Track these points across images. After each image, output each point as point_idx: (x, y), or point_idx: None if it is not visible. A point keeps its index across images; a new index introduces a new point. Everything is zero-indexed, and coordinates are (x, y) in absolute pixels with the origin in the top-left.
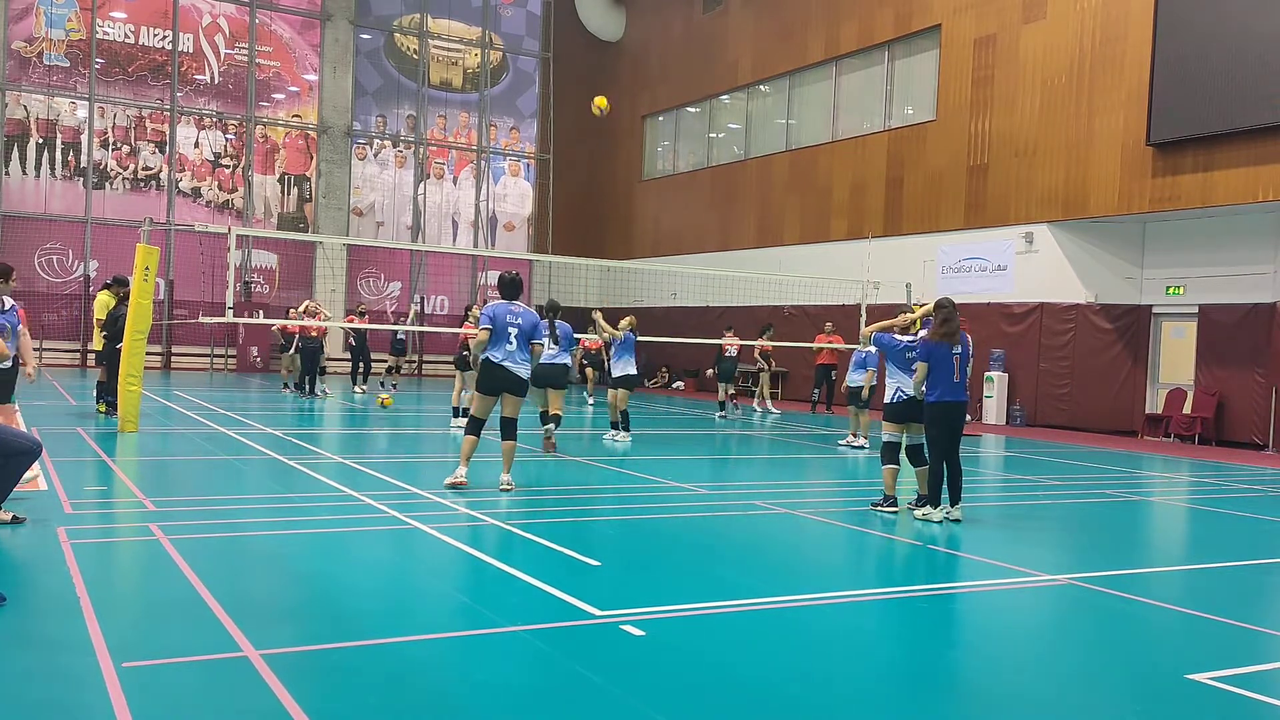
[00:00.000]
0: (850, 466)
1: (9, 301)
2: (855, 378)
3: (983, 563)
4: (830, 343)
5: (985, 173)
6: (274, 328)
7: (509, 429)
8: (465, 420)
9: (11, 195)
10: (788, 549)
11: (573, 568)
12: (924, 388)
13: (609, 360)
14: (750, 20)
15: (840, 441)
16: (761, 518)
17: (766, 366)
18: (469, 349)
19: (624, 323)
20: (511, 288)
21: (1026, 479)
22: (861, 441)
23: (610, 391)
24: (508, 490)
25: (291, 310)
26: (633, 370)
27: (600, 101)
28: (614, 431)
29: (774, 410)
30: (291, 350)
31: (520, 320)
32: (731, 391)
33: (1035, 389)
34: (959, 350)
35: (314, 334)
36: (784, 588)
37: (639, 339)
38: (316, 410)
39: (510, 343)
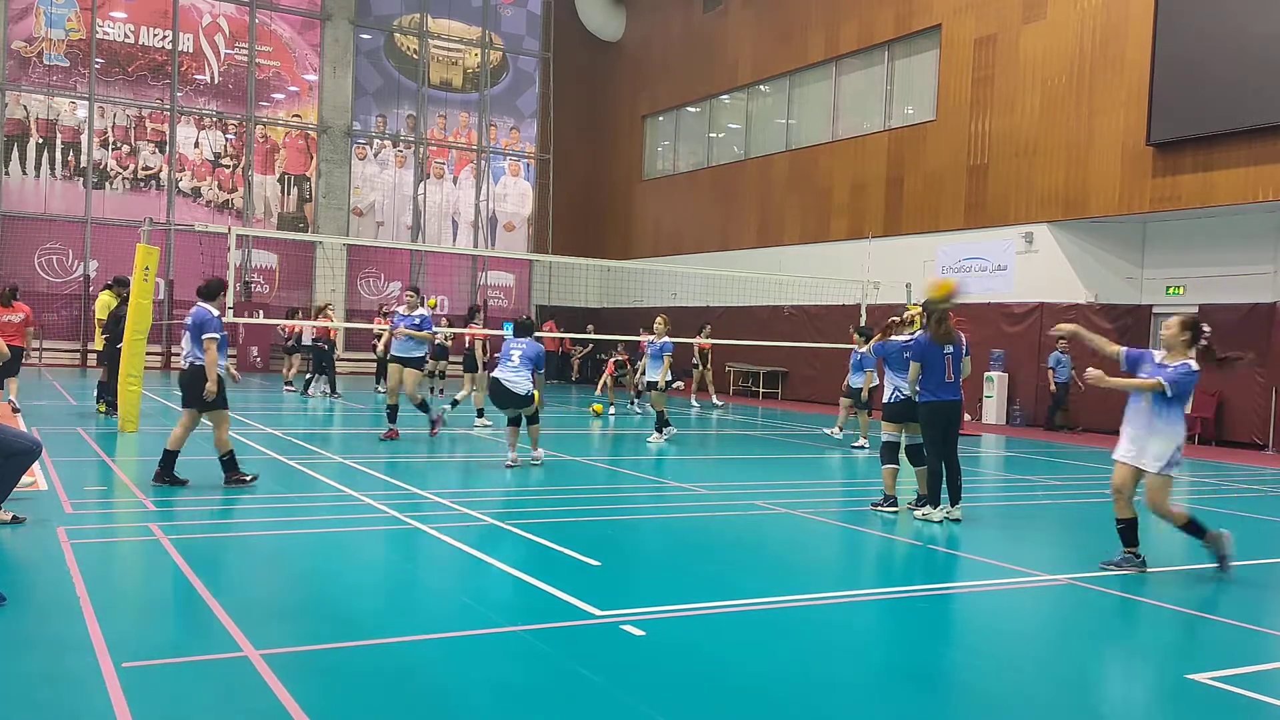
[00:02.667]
0: (850, 466)
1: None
2: (855, 379)
3: (983, 563)
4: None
5: (985, 173)
6: (281, 329)
7: (528, 420)
8: (486, 419)
9: (11, 195)
10: (788, 549)
11: (573, 568)
12: (917, 387)
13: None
14: (750, 20)
15: (828, 428)
16: (761, 518)
17: (702, 364)
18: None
19: (659, 324)
20: (522, 329)
21: (1026, 479)
22: (861, 442)
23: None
24: (538, 463)
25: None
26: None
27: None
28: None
29: (717, 402)
30: (298, 351)
31: (524, 348)
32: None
33: (1035, 389)
34: (950, 350)
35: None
36: (784, 588)
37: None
38: (316, 410)
39: (511, 361)
